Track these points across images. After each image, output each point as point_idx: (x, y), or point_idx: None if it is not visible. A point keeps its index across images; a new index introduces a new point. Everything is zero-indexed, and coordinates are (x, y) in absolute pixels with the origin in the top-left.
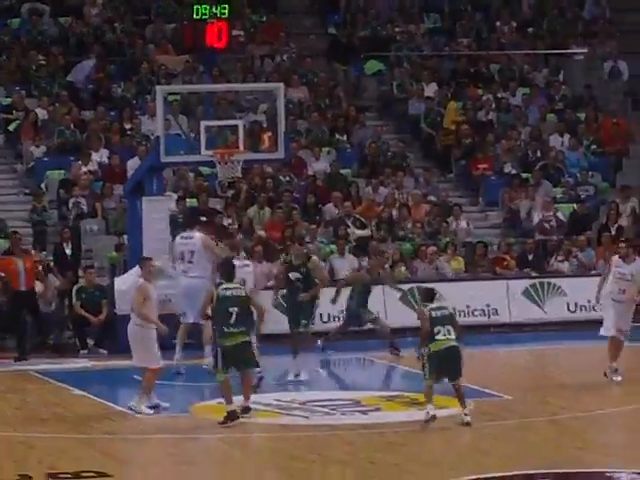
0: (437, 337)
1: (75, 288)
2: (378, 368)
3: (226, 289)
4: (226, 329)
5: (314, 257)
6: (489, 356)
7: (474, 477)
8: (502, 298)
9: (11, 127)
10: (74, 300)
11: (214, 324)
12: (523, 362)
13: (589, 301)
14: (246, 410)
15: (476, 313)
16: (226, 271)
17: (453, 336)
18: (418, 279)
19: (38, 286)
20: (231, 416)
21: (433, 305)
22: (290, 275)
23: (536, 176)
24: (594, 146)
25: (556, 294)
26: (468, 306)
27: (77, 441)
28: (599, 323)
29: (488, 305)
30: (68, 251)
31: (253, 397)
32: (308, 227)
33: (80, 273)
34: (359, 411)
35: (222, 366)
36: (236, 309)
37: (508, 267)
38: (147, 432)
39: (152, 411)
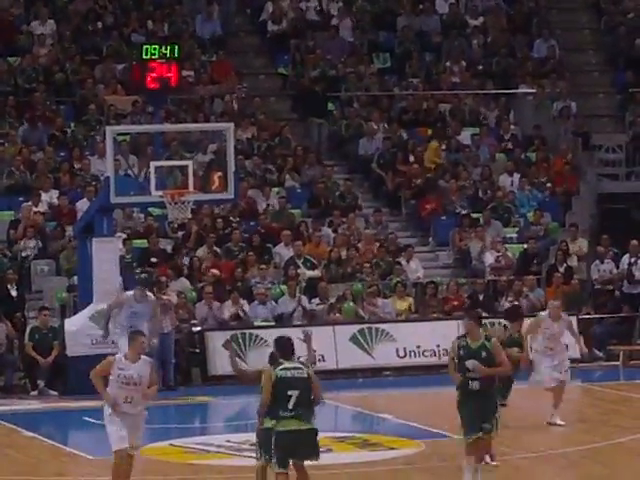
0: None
1: (29, 329)
2: (328, 409)
3: (285, 369)
4: (282, 413)
5: (494, 337)
6: (439, 397)
7: None
8: (453, 338)
9: None
10: (26, 340)
11: (269, 407)
12: None
13: None
14: None
15: (426, 354)
16: (283, 348)
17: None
18: (368, 320)
19: None
20: None
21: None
22: (467, 364)
23: (486, 216)
24: (544, 186)
25: None
26: (418, 346)
27: None
28: None
29: (438, 345)
30: (14, 292)
31: (204, 438)
32: (258, 267)
33: (33, 314)
34: None
35: (277, 458)
36: (296, 392)
37: (459, 307)
38: (96, 474)
39: None
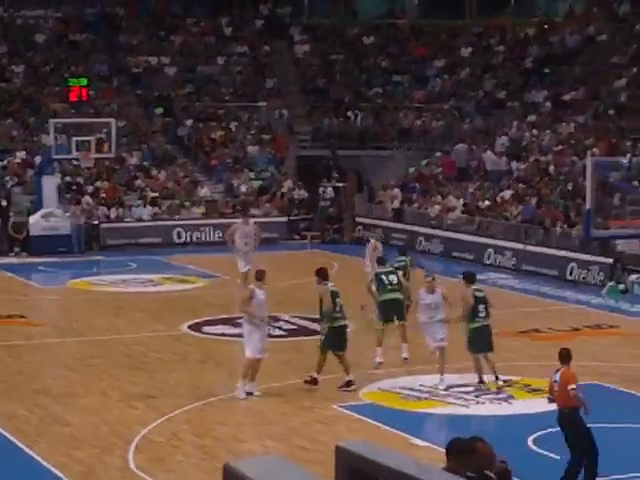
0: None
1: (11, 221)
2: None
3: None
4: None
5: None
6: None
7: None
8: None
9: None
10: (9, 227)
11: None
12: None
13: None
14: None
15: None
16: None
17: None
18: None
19: None
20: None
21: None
22: None
23: (239, 168)
24: (271, 151)
25: None
26: None
27: (7, 300)
28: None
29: None
30: (4, 203)
31: (100, 277)
32: (126, 193)
33: (12, 214)
34: None
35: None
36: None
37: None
38: (45, 295)
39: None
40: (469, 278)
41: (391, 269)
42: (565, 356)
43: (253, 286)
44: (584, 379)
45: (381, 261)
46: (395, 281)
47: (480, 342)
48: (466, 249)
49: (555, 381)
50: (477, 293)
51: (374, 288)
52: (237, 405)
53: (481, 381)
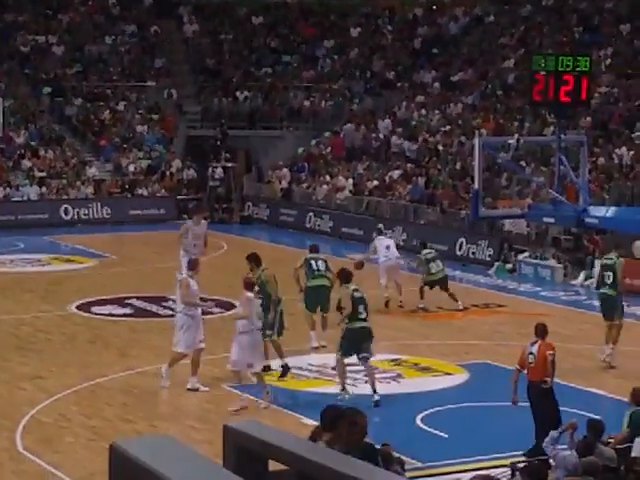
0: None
1: None
2: None
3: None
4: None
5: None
6: None
7: None
8: None
9: None
10: None
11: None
12: None
13: None
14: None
15: None
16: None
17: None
18: None
19: None
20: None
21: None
22: None
23: (130, 145)
24: (160, 130)
25: None
26: None
27: None
28: None
29: None
30: None
31: None
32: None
33: None
34: None
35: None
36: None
37: None
38: None
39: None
40: (345, 277)
41: (322, 256)
42: (542, 330)
43: (186, 275)
44: (471, 358)
45: (314, 249)
46: (323, 267)
47: (353, 345)
48: (355, 225)
49: (531, 353)
50: (355, 293)
51: (302, 272)
52: (126, 385)
53: (343, 388)
